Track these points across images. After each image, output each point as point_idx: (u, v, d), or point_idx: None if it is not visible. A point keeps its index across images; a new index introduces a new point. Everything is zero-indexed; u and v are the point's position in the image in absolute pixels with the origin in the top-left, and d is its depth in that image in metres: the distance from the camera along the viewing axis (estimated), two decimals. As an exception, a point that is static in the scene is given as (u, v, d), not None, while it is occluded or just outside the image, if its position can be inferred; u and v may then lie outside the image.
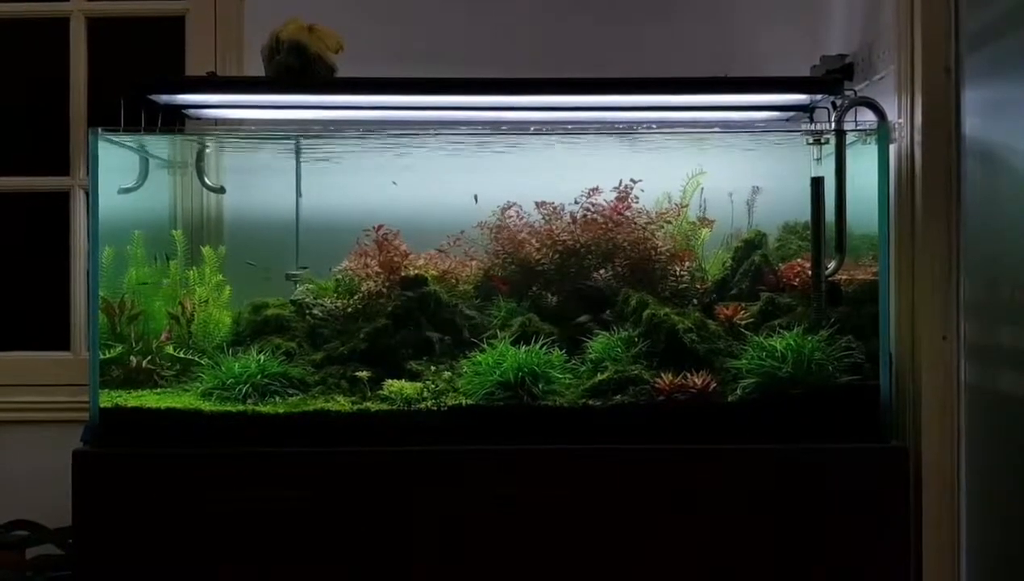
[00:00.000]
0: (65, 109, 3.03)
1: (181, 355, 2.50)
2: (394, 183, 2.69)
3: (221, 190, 2.88)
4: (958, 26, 2.23)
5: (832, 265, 2.35)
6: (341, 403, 2.34)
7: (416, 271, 2.57)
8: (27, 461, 2.93)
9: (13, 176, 3.10)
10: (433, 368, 2.43)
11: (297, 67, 2.44)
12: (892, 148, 2.34)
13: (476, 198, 2.63)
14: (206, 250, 2.64)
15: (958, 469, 2.23)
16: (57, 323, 3.05)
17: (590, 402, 2.32)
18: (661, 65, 2.65)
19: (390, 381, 2.37)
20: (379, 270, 2.57)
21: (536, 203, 2.64)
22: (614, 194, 2.61)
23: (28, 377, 3.01)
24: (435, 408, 2.32)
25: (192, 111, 2.70)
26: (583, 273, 2.58)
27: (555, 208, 2.65)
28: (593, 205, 2.60)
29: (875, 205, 2.31)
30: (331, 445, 2.28)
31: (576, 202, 2.62)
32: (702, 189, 2.67)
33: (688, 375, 2.33)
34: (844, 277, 2.41)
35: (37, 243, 3.21)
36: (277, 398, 2.35)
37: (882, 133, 2.31)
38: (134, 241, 2.56)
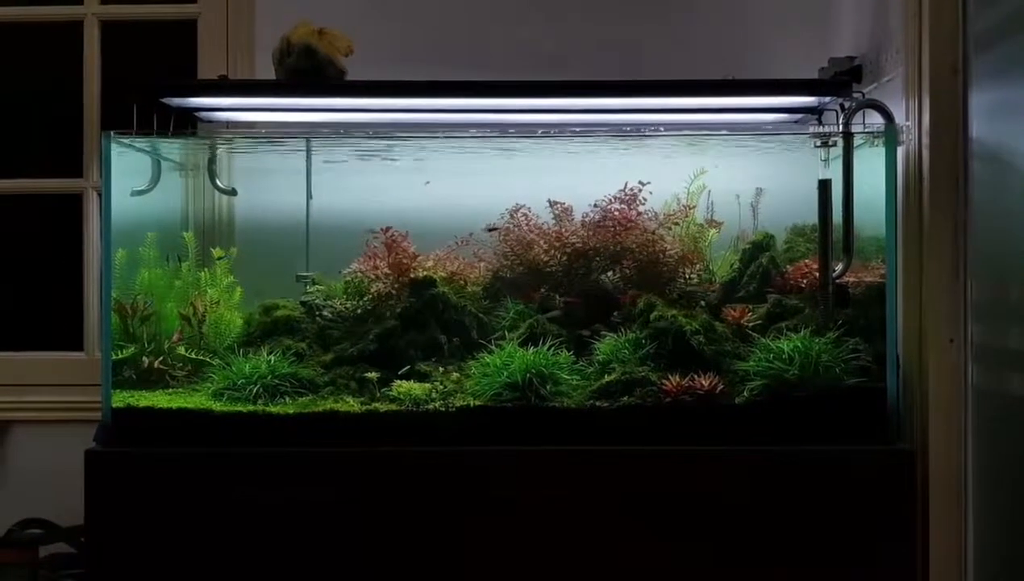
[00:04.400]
0: (79, 112, 3.06)
1: (192, 356, 2.53)
2: (427, 182, 2.70)
3: (233, 192, 2.90)
4: (966, 28, 2.23)
5: (839, 267, 2.35)
6: (350, 404, 2.35)
7: (425, 273, 2.59)
8: (40, 460, 2.96)
9: (27, 178, 3.14)
10: (442, 369, 2.45)
11: (307, 70, 2.46)
12: (900, 150, 2.34)
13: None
14: (217, 252, 2.66)
15: (965, 471, 2.23)
16: (70, 324, 3.08)
17: (597, 403, 2.33)
18: (670, 68, 2.66)
19: (399, 382, 2.39)
20: (388, 272, 2.59)
21: (549, 202, 2.64)
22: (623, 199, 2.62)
23: (42, 377, 3.04)
24: (443, 409, 2.33)
25: (204, 114, 2.73)
26: (591, 275, 2.58)
27: (565, 208, 2.66)
28: (606, 210, 2.61)
29: (883, 207, 2.31)
30: (340, 445, 2.30)
31: (596, 205, 2.62)
32: (709, 191, 2.67)
33: (695, 377, 2.33)
34: (851, 279, 2.41)
35: (51, 244, 3.24)
36: (287, 398, 2.37)
37: (889, 135, 2.31)
38: (146, 243, 2.58)
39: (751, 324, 2.45)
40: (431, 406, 2.34)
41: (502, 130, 2.58)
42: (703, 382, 2.32)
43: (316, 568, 2.27)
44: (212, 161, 2.84)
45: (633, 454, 2.27)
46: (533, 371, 2.34)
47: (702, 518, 2.25)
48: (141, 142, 2.54)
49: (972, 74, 2.22)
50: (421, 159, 2.72)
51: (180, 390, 2.46)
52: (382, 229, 2.62)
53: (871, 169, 2.33)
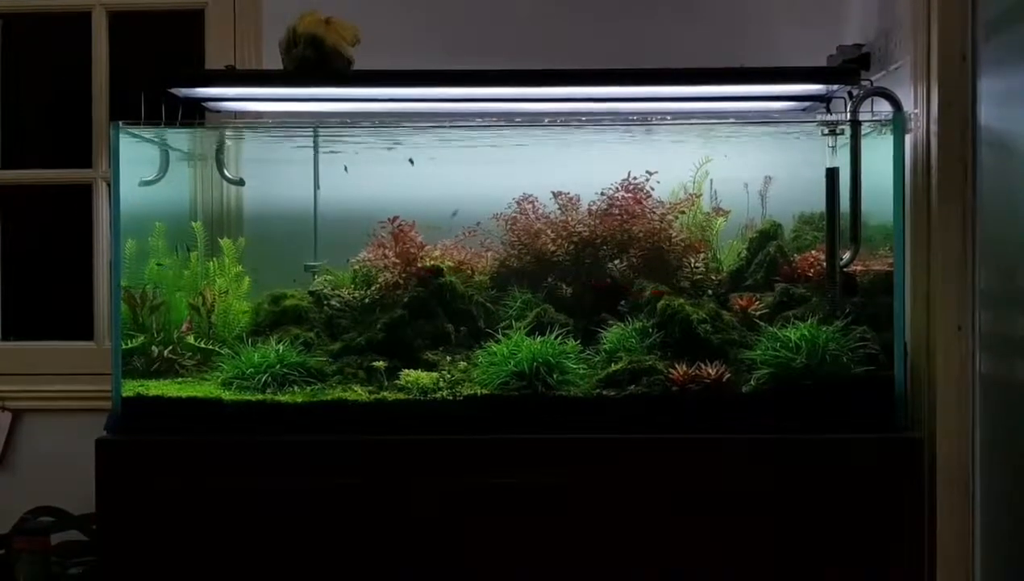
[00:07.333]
0: (87, 102, 3.06)
1: (201, 345, 2.54)
2: (411, 161, 2.70)
3: (240, 182, 2.91)
4: (974, 14, 2.22)
5: (847, 256, 2.35)
6: (358, 393, 2.36)
7: (432, 262, 2.59)
8: (52, 449, 2.98)
9: (37, 169, 3.15)
10: (449, 358, 2.45)
11: (314, 60, 2.46)
12: (908, 138, 2.34)
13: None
14: (225, 242, 2.67)
15: (972, 459, 2.23)
16: (81, 313, 3.09)
17: (604, 392, 2.34)
18: (677, 55, 2.65)
19: (406, 371, 2.39)
20: (396, 261, 2.60)
21: (553, 193, 2.65)
22: (628, 188, 2.62)
23: (52, 366, 3.05)
24: (451, 398, 2.34)
25: (211, 104, 2.73)
26: (598, 264, 2.59)
27: (570, 198, 2.66)
28: (612, 198, 2.61)
29: (890, 195, 2.31)
30: (348, 434, 2.31)
31: (603, 193, 2.62)
32: (712, 180, 2.67)
33: (702, 366, 2.33)
34: (859, 268, 2.41)
35: (61, 235, 3.25)
36: (295, 387, 2.38)
37: (897, 123, 2.31)
38: (155, 233, 2.60)
39: (758, 313, 2.45)
40: (438, 395, 2.34)
41: (509, 119, 2.58)
42: (710, 371, 2.32)
43: (324, 556, 2.28)
44: (220, 151, 2.85)
45: (640, 442, 2.28)
46: (540, 360, 2.34)
47: (709, 507, 2.25)
48: (149, 132, 2.56)
49: (980, 61, 2.21)
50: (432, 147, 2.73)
51: (189, 379, 2.47)
52: (389, 219, 2.63)
53: (879, 157, 2.33)
